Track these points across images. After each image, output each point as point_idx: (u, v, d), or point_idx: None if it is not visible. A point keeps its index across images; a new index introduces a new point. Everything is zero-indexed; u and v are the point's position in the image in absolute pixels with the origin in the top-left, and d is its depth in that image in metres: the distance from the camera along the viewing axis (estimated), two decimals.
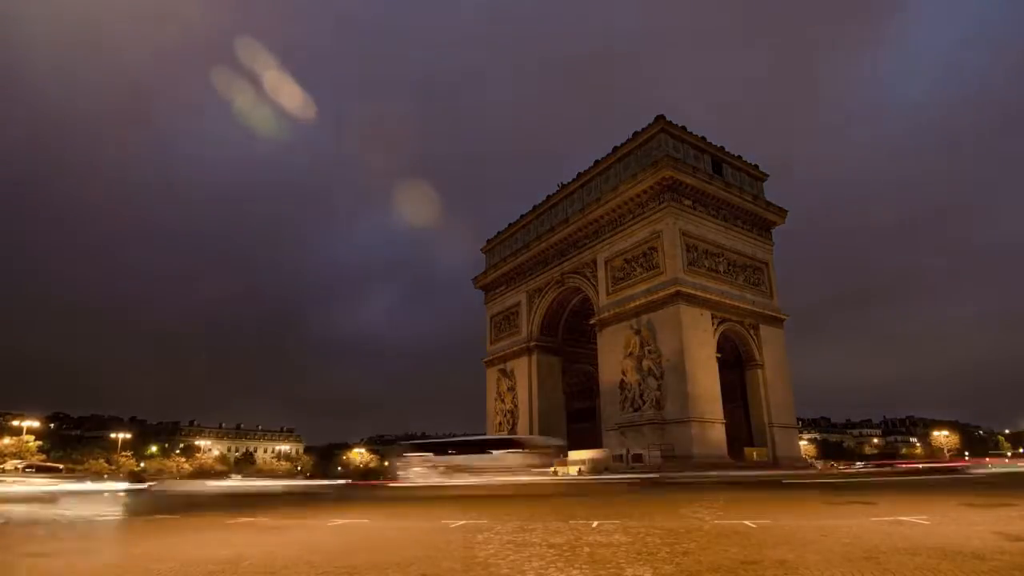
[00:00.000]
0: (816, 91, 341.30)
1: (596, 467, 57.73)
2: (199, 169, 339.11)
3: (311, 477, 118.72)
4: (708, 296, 61.44)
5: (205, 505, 27.60)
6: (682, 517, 14.66)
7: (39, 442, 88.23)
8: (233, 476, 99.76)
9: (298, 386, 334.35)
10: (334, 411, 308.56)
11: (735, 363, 65.70)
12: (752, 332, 65.27)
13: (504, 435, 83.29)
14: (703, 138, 68.32)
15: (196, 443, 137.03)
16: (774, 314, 68.17)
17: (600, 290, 69.54)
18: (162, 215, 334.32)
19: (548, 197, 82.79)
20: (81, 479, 59.01)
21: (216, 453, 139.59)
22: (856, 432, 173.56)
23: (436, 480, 45.59)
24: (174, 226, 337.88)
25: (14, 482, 49.65)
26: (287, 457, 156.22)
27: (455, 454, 48.33)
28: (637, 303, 62.75)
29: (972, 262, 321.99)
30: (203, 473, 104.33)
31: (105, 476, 73.30)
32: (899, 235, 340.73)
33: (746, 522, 13.03)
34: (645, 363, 60.58)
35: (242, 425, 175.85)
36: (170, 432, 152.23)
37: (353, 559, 8.96)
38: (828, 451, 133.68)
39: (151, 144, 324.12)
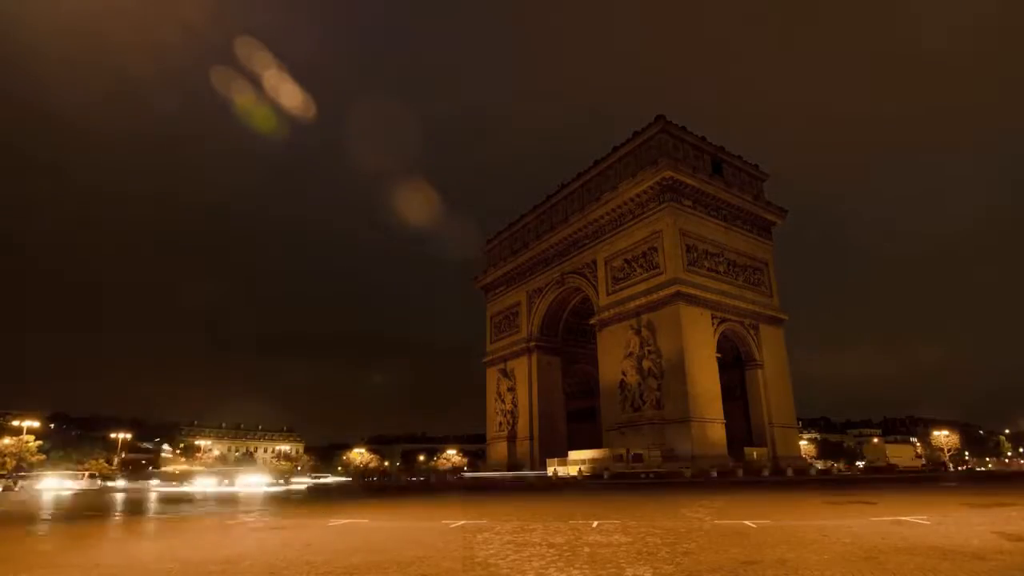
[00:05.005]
0: None
1: (596, 467, 57.59)
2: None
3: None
4: (708, 296, 61.40)
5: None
6: (682, 517, 14.67)
7: (39, 442, 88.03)
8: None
9: (297, 385, 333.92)
10: (333, 411, 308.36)
11: (735, 363, 65.67)
12: (752, 332, 65.23)
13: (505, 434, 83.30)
14: (703, 138, 68.24)
15: (196, 443, 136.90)
16: (774, 314, 68.13)
17: (600, 290, 69.47)
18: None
19: (548, 197, 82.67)
20: None
21: (216, 453, 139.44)
22: (856, 432, 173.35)
23: None
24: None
25: None
26: (287, 457, 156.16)
27: None
28: (637, 303, 62.71)
29: None
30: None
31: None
32: None
33: (746, 522, 13.04)
34: (645, 363, 60.55)
35: (242, 425, 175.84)
36: (170, 432, 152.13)
37: (353, 559, 8.96)
38: (828, 451, 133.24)
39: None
